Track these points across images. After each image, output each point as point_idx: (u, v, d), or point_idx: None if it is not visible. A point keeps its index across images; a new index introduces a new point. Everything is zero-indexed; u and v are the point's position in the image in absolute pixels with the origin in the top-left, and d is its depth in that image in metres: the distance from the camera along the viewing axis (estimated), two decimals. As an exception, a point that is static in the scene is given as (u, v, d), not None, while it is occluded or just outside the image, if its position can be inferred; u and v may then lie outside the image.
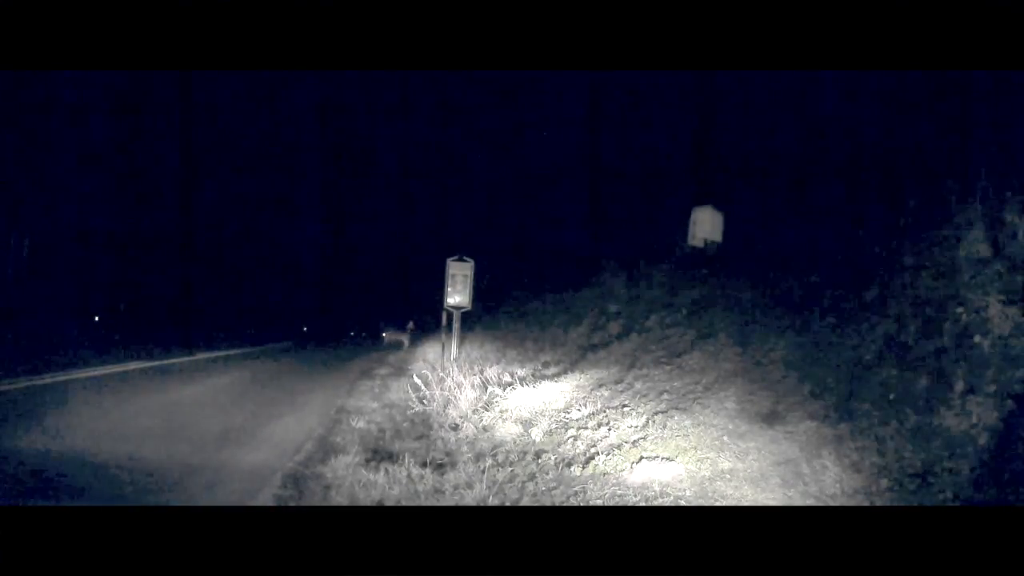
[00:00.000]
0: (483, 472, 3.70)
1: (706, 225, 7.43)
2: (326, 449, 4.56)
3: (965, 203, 4.17)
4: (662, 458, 3.66)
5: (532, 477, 3.67)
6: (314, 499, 3.45)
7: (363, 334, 47.43)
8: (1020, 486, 2.54)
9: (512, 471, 3.80)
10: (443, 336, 9.01)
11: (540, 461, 3.96)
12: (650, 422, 4.21)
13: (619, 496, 3.29)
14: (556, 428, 4.67)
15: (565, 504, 3.27)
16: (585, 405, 4.97)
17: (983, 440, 2.84)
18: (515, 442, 4.54)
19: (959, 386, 3.18)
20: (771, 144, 8.58)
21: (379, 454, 4.36)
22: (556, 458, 3.96)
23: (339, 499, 3.40)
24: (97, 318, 22.04)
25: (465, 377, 6.50)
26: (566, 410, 5.01)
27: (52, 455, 4.02)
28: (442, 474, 3.79)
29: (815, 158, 7.50)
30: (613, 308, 7.85)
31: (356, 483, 3.56)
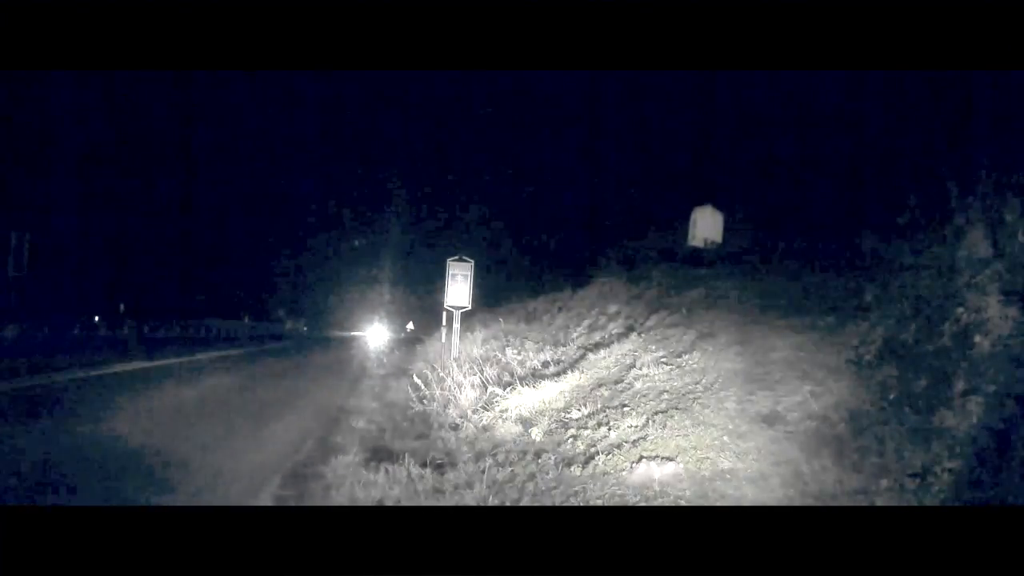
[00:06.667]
0: (483, 472, 3.69)
1: (706, 225, 7.43)
2: (326, 450, 4.56)
3: (965, 203, 4.17)
4: (662, 458, 3.65)
5: (532, 477, 3.67)
6: (314, 498, 3.45)
7: (363, 335, 47.47)
8: (1020, 486, 2.54)
9: (512, 471, 3.80)
10: (443, 336, 9.01)
11: (540, 461, 3.96)
12: (650, 422, 4.20)
13: (619, 496, 3.29)
14: (556, 428, 4.67)
15: (565, 504, 3.27)
16: (585, 405, 4.97)
17: (983, 440, 2.84)
18: (515, 442, 4.54)
19: (959, 386, 3.17)
20: (771, 144, 8.57)
21: (379, 454, 4.36)
22: (556, 458, 3.96)
23: (339, 499, 3.40)
24: (97, 318, 22.05)
25: (465, 377, 6.50)
26: (566, 410, 5.00)
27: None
28: (442, 474, 3.79)
29: (815, 158, 7.50)
30: (613, 308, 7.84)
31: (356, 483, 3.56)
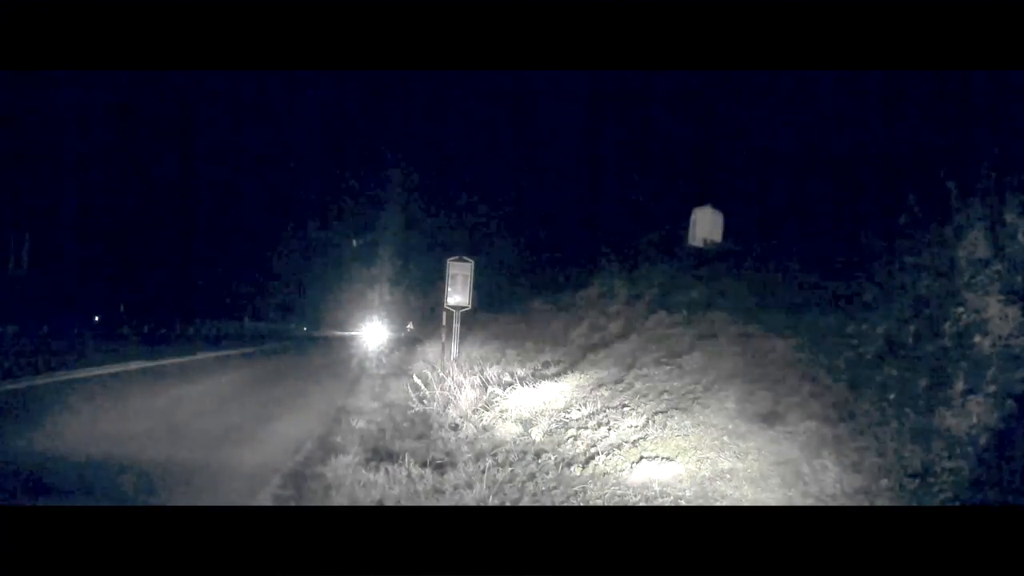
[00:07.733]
0: (483, 472, 3.69)
1: (706, 225, 7.43)
2: (326, 449, 4.56)
3: (965, 203, 4.17)
4: (662, 458, 3.65)
5: (532, 477, 3.67)
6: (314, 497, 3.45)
7: (363, 335, 47.44)
8: (1020, 486, 2.54)
9: (512, 471, 3.80)
10: (443, 336, 9.01)
11: (540, 461, 3.96)
12: (650, 422, 4.20)
13: (619, 496, 3.29)
14: (556, 428, 4.67)
15: (565, 504, 3.27)
16: (585, 405, 4.97)
17: (983, 440, 2.84)
18: (515, 442, 4.54)
19: (959, 386, 3.17)
20: (771, 144, 8.57)
21: (379, 453, 4.36)
22: (556, 458, 3.96)
23: (339, 499, 3.40)
24: (97, 318, 22.07)
25: (465, 377, 6.50)
26: (566, 410, 5.00)
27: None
28: (442, 474, 3.79)
29: (815, 158, 7.49)
30: (613, 308, 7.85)
31: (356, 483, 3.56)
